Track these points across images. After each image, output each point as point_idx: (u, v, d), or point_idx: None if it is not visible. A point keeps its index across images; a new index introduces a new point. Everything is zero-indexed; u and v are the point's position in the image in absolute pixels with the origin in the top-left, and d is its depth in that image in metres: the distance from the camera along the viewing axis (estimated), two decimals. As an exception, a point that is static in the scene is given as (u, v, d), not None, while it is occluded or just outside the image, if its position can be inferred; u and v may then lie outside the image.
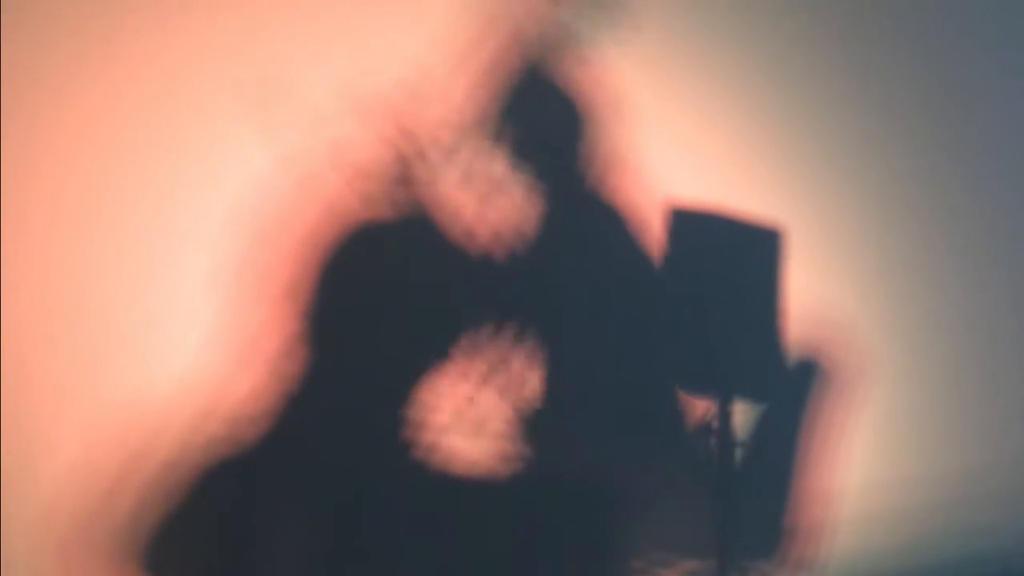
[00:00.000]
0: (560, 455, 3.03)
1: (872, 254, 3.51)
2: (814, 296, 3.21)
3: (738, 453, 3.08)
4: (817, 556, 3.21)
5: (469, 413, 3.00)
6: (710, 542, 3.06)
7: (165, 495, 2.80)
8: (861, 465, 3.29)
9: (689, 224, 3.10)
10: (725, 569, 3.06)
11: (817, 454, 3.20)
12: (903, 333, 3.50)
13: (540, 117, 3.13)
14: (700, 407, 3.10)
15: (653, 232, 3.12)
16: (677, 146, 3.24)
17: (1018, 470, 3.64)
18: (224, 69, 3.00)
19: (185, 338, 2.90)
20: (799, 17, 3.45)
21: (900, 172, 3.56)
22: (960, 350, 3.60)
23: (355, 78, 2.93)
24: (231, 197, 2.91)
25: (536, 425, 3.05)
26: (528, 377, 3.06)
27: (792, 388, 3.18)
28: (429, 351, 2.98)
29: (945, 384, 3.57)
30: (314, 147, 2.93)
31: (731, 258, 3.10)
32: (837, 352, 3.23)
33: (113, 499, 2.79)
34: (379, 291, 2.95)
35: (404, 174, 2.94)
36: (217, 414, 2.86)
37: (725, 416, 3.08)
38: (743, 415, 3.10)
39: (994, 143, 3.68)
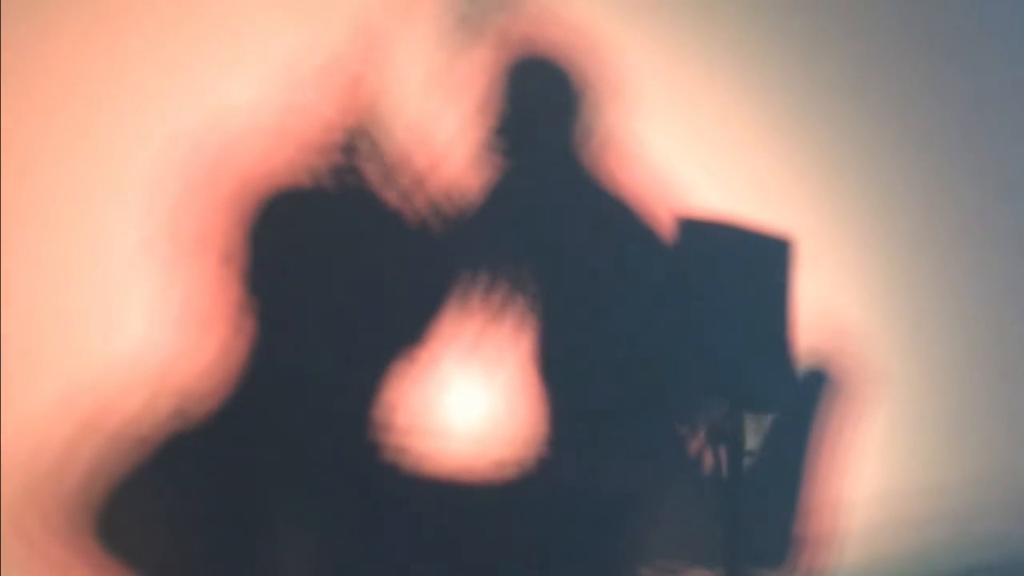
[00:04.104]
0: (567, 462, 3.03)
1: (882, 263, 3.51)
2: (823, 305, 3.21)
3: (747, 462, 3.08)
4: (825, 565, 3.20)
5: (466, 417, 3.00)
6: (718, 550, 3.06)
7: (114, 469, 2.82)
8: (870, 474, 3.29)
9: (698, 233, 3.10)
10: (733, 578, 3.06)
11: (826, 463, 3.20)
12: (912, 342, 3.49)
13: (532, 92, 3.11)
14: (709, 415, 3.10)
15: (654, 218, 3.12)
16: (684, 156, 3.24)
17: (1028, 480, 3.64)
18: (154, 28, 2.97)
19: (128, 311, 2.86)
20: (809, 22, 3.45)
21: (911, 181, 3.56)
22: (970, 360, 3.60)
23: (302, 47, 2.92)
24: (153, 160, 2.86)
25: (542, 432, 3.05)
26: (527, 377, 3.06)
27: (801, 397, 3.18)
28: (390, 337, 2.95)
29: (955, 393, 3.56)
30: (247, 109, 2.89)
31: (741, 267, 3.10)
32: (846, 361, 3.23)
33: (63, 472, 2.81)
34: (322, 259, 2.91)
35: (348, 145, 2.91)
36: (168, 389, 2.86)
37: (734, 425, 3.08)
38: (752, 424, 3.10)
39: (1009, 152, 3.67)
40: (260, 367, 2.89)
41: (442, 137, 3.02)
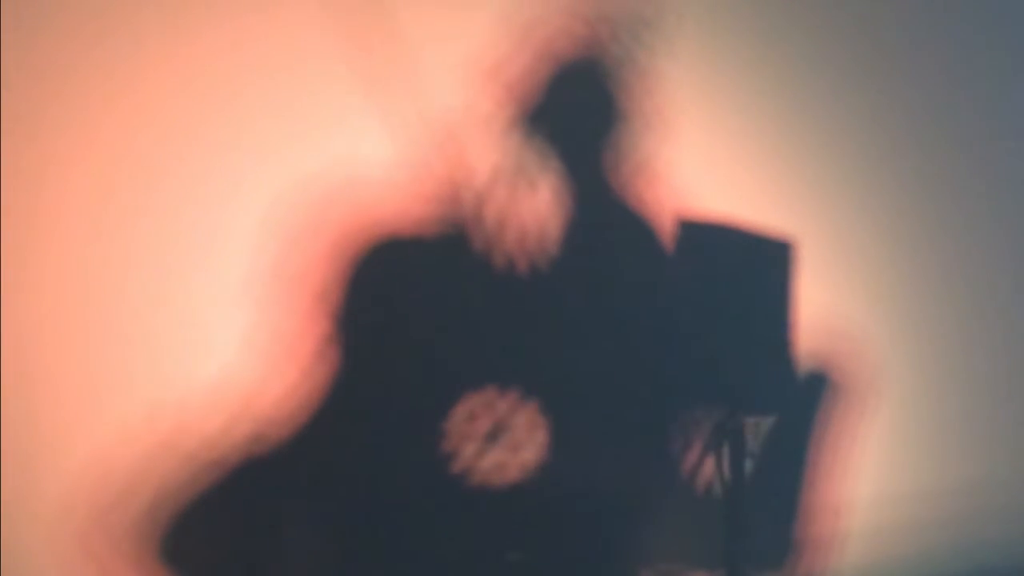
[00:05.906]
0: (568, 464, 3.04)
1: (883, 266, 3.51)
2: (825, 308, 3.21)
3: (748, 464, 3.08)
4: (826, 568, 3.21)
5: (482, 424, 3.01)
6: (719, 553, 3.06)
7: (186, 490, 2.83)
8: (870, 477, 3.29)
9: (700, 236, 3.10)
10: (734, 580, 3.06)
11: (827, 466, 3.20)
12: (913, 345, 3.50)
13: (570, 118, 3.13)
14: (711, 418, 3.10)
15: (671, 242, 3.13)
16: (688, 157, 3.24)
17: (1028, 484, 3.64)
18: (267, 71, 3.05)
19: (219, 339, 2.95)
20: (812, 27, 3.45)
21: (913, 184, 3.56)
22: (971, 363, 3.60)
23: (419, 105, 3.00)
24: (266, 202, 2.97)
25: (545, 434, 3.05)
26: (537, 388, 3.06)
27: (802, 399, 3.19)
28: (456, 362, 3.02)
29: (955, 397, 3.57)
30: (349, 158, 2.98)
31: (742, 270, 3.10)
32: (847, 364, 3.23)
33: (133, 492, 2.83)
34: (410, 302, 3.00)
35: (452, 196, 3.00)
36: (248, 414, 2.90)
37: (736, 427, 3.08)
38: (753, 427, 3.10)
39: (1011, 156, 3.68)
40: (338, 396, 2.93)
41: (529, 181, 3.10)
